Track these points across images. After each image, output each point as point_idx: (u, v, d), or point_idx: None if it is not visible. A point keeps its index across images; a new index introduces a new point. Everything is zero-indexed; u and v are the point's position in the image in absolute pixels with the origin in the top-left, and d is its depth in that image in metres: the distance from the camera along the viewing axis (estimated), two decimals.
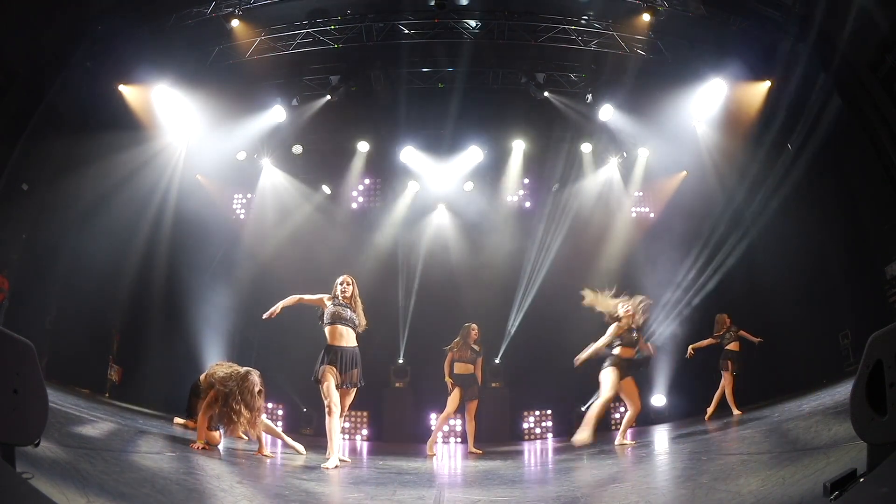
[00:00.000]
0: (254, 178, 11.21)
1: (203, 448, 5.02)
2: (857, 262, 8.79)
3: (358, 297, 5.57)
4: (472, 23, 9.09)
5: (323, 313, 5.45)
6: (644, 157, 11.08)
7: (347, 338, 5.36)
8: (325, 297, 5.54)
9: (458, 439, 9.68)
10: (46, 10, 7.51)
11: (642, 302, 6.43)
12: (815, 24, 8.14)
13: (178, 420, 6.84)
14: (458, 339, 7.58)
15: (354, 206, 11.66)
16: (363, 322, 5.55)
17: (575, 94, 10.18)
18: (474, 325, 7.64)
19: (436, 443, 7.49)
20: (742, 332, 8.40)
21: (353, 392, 5.51)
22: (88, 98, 8.90)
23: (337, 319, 5.37)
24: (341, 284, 5.52)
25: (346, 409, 5.62)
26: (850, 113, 8.26)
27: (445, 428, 9.74)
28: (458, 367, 7.46)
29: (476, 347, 7.51)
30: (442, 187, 11.43)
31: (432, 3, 8.74)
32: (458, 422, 9.61)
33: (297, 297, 5.68)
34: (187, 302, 9.93)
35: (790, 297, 9.61)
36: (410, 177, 11.42)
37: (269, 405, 10.10)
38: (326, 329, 5.40)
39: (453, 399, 7.36)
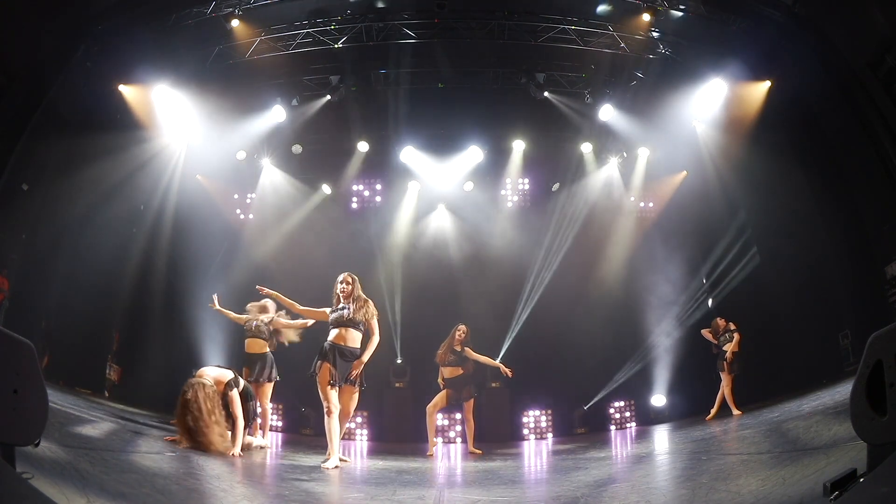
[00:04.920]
0: (254, 178, 11.20)
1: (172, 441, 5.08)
2: (857, 262, 8.78)
3: (360, 294, 5.53)
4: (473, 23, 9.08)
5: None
6: (644, 157, 11.08)
7: (349, 339, 5.35)
8: (328, 309, 5.53)
9: (459, 438, 9.68)
10: (46, 10, 7.51)
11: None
12: (815, 24, 8.14)
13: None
14: (445, 341, 7.57)
15: (354, 206, 11.64)
16: (370, 314, 5.45)
17: (575, 94, 10.17)
18: (461, 327, 7.54)
19: (435, 444, 7.49)
20: (737, 335, 8.39)
21: (356, 395, 5.49)
22: (88, 98, 8.89)
23: (338, 323, 5.36)
24: (341, 283, 5.50)
25: (351, 412, 5.59)
26: (850, 113, 8.26)
27: (443, 422, 9.75)
28: (446, 371, 7.46)
29: (458, 349, 7.44)
30: (442, 187, 11.42)
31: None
32: (458, 422, 9.63)
33: (299, 306, 5.74)
34: (187, 302, 9.92)
35: (790, 296, 9.61)
36: (410, 177, 11.40)
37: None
38: (330, 332, 5.40)
39: (439, 397, 7.41)
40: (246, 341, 6.71)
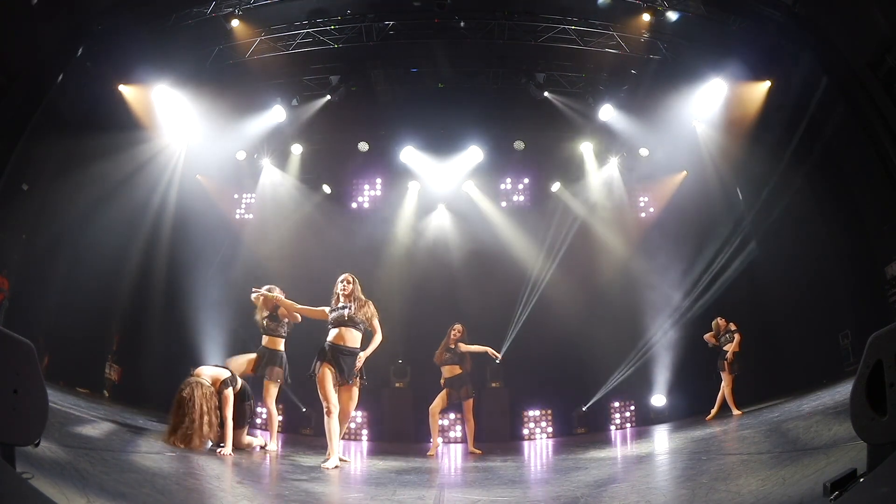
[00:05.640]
0: (254, 178, 11.20)
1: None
2: (857, 262, 8.79)
3: (361, 295, 5.54)
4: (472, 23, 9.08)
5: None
6: (644, 157, 11.08)
7: (348, 339, 5.34)
8: (327, 308, 5.51)
9: (458, 437, 9.68)
10: (46, 10, 7.50)
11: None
12: (815, 24, 8.14)
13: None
14: (443, 342, 7.59)
15: (354, 205, 11.64)
16: (370, 315, 5.47)
17: (575, 94, 10.17)
18: (456, 326, 7.57)
19: (437, 445, 7.48)
20: (738, 336, 8.38)
21: (356, 395, 5.49)
22: (88, 98, 8.90)
23: (338, 322, 5.35)
24: (342, 283, 5.50)
25: (351, 412, 5.58)
26: (850, 113, 8.26)
27: (443, 422, 9.75)
28: (445, 371, 7.49)
29: (452, 346, 7.46)
30: (442, 187, 11.42)
31: (416, 3, 8.77)
32: (459, 422, 9.63)
33: (297, 305, 5.71)
34: (187, 302, 9.92)
35: (790, 297, 9.61)
36: (410, 177, 11.41)
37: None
38: (329, 332, 5.39)
39: (439, 397, 7.45)
40: (264, 337, 6.48)
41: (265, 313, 6.48)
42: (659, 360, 10.36)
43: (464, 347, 7.48)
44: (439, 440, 7.82)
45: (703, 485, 3.34)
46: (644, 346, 10.48)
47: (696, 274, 10.50)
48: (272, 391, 6.30)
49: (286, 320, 6.43)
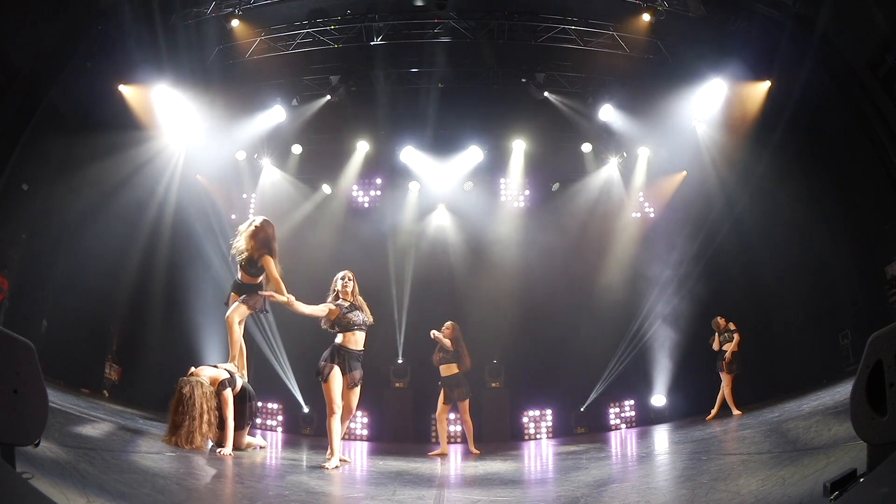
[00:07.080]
0: (254, 177, 11.21)
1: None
2: (857, 262, 8.79)
3: (359, 295, 5.55)
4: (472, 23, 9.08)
5: (332, 322, 5.38)
6: (644, 157, 11.08)
7: (362, 342, 5.38)
8: (332, 305, 5.42)
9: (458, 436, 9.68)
10: (47, 9, 7.51)
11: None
12: (815, 24, 8.14)
13: None
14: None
15: (354, 206, 11.64)
16: (370, 318, 5.54)
17: (575, 94, 10.17)
18: (447, 325, 7.56)
19: (446, 453, 7.43)
20: (737, 335, 8.38)
21: (358, 391, 5.49)
22: (88, 98, 8.91)
23: (353, 325, 5.33)
24: (342, 279, 5.48)
25: (354, 409, 5.58)
26: (850, 113, 8.26)
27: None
28: (442, 370, 7.49)
29: (447, 343, 7.43)
30: (442, 187, 11.42)
31: (418, 4, 8.77)
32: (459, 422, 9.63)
33: (301, 307, 5.36)
34: (186, 302, 9.93)
35: (790, 297, 9.61)
36: (410, 177, 11.41)
37: (270, 405, 10.09)
38: (342, 334, 5.34)
39: (440, 399, 7.47)
40: (240, 272, 6.06)
41: (246, 256, 5.88)
42: (659, 360, 10.37)
43: (446, 342, 7.39)
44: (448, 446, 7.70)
45: (703, 485, 3.35)
46: (637, 342, 10.47)
47: (696, 273, 10.50)
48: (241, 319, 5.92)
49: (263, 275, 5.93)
